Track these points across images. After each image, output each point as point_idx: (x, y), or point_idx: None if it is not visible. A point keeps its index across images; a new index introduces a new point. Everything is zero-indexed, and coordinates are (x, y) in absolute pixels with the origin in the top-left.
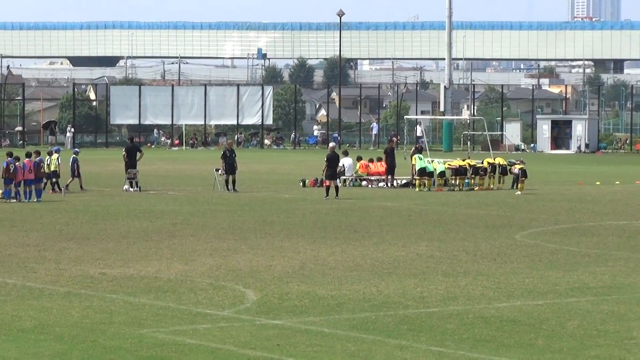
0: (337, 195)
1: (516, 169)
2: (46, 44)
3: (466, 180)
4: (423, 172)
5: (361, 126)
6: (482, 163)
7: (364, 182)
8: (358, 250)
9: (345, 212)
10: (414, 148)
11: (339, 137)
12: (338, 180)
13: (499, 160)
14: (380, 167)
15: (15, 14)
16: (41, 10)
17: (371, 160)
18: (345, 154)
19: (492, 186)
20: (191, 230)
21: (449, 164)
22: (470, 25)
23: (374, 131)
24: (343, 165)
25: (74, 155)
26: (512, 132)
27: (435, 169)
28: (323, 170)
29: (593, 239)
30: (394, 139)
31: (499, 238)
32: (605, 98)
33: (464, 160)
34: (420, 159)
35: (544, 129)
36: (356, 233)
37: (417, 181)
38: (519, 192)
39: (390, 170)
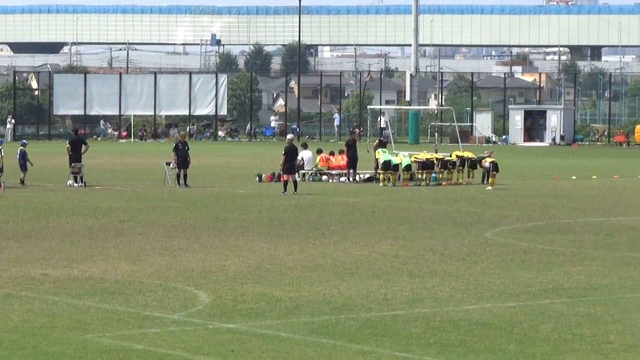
0: (295, 190)
1: (487, 162)
2: None
3: (433, 175)
4: (387, 165)
5: (322, 117)
6: (450, 156)
7: (324, 177)
8: (318, 249)
9: (304, 208)
10: (377, 141)
11: (297, 129)
12: (297, 174)
13: (468, 154)
14: (342, 160)
15: None
16: None
17: (332, 154)
18: (305, 146)
19: (461, 181)
20: (140, 228)
21: (415, 157)
22: (438, 9)
23: (336, 122)
24: (302, 158)
25: (22, 148)
26: (483, 123)
27: (400, 163)
28: (281, 164)
29: (568, 237)
30: (357, 130)
31: (468, 236)
32: (582, 87)
33: (431, 154)
34: (385, 152)
35: (517, 120)
36: (316, 231)
37: (381, 175)
38: (490, 187)
39: (352, 163)
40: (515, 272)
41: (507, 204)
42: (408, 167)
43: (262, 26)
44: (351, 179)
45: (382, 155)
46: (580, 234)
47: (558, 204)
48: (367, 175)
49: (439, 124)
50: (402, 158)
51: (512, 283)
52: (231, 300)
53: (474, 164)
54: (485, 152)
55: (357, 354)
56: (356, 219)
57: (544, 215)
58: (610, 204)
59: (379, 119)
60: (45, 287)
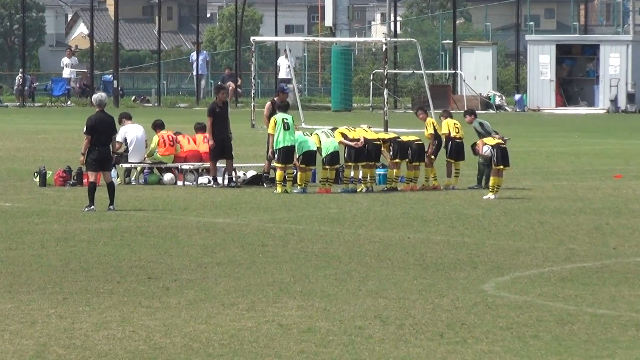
0: (112, 203)
1: (485, 147)
2: None
3: (380, 171)
4: (287, 153)
5: (161, 59)
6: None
7: (167, 176)
8: (155, 318)
9: (129, 238)
10: (269, 103)
11: (114, 81)
12: (114, 171)
13: (449, 125)
14: (203, 144)
15: None
16: None
17: (178, 133)
18: (128, 117)
19: (436, 183)
20: None
21: (344, 137)
22: None
23: (195, 70)
24: (125, 139)
25: None
26: (476, 70)
27: (319, 148)
28: (83, 152)
29: None
30: (230, 85)
31: (450, 291)
32: None
33: (375, 131)
34: (288, 127)
35: (542, 63)
36: (152, 282)
37: (278, 172)
38: (492, 195)
39: (222, 150)
40: None
41: (524, 226)
42: (333, 157)
43: None
44: (220, 179)
45: (282, 134)
46: None
47: (622, 226)
48: (251, 173)
49: (391, 72)
50: (320, 139)
51: None
52: None
53: (458, 149)
54: (495, 134)
55: None
56: (231, 259)
57: (594, 249)
58: None
59: (277, 64)
60: None
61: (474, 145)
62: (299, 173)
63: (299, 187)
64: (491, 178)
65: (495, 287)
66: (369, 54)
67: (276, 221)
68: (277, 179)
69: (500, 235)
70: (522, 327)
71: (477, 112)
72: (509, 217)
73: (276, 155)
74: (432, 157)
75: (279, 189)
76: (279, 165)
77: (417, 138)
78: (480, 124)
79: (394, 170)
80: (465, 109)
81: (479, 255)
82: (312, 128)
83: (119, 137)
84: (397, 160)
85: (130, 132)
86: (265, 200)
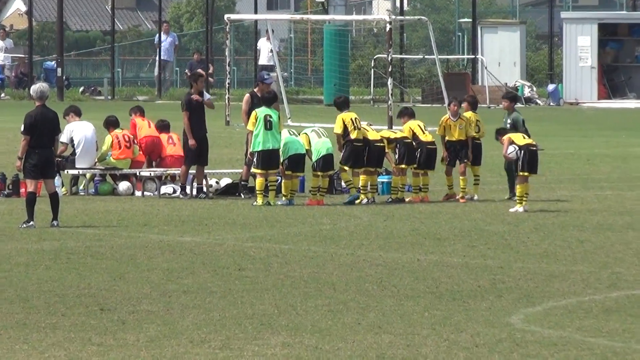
0: (55, 218)
1: (512, 145)
2: None
3: (382, 178)
4: (270, 157)
5: (115, 39)
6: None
7: (122, 185)
8: None
9: (76, 260)
10: (247, 95)
11: (56, 67)
12: (58, 178)
13: (469, 118)
14: (171, 145)
15: None
16: None
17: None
18: (76, 112)
19: (470, 193)
20: None
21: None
22: None
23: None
24: (71, 139)
25: None
26: (500, 56)
27: (308, 150)
28: (20, 156)
29: None
30: (201, 73)
31: (468, 324)
32: None
33: (375, 129)
34: (271, 126)
35: (583, 47)
36: (104, 314)
37: (258, 179)
38: (520, 208)
39: (193, 153)
40: None
41: (560, 246)
42: (326, 161)
43: None
44: (188, 188)
45: (263, 134)
46: None
47: None
48: (225, 181)
49: (397, 57)
50: (310, 139)
51: None
52: None
53: (476, 149)
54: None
55: None
56: (201, 285)
57: None
58: None
59: (256, 47)
60: None
61: (500, 133)
62: (283, 181)
63: (283, 198)
64: (517, 186)
65: (525, 320)
66: (369, 35)
67: (256, 240)
68: (257, 188)
69: (531, 257)
70: None
71: (498, 105)
72: (541, 234)
73: (255, 159)
74: (468, 161)
75: (259, 201)
76: (259, 171)
77: (432, 139)
78: (517, 120)
79: (399, 178)
80: (506, 91)
81: (505, 281)
82: (299, 126)
83: (63, 138)
84: (402, 166)
85: (77, 131)
86: (242, 215)
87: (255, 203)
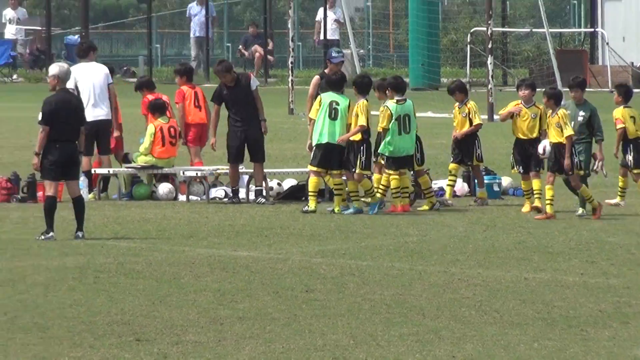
0: (80, 229)
1: (546, 140)
2: None
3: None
4: (329, 153)
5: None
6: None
7: (162, 187)
8: None
9: (106, 279)
10: (316, 77)
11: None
12: (84, 181)
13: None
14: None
15: None
16: None
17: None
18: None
19: (620, 199)
20: None
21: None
22: None
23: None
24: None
25: None
26: (626, 29)
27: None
28: (36, 152)
29: None
30: (257, 50)
31: (588, 358)
32: None
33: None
34: (336, 115)
35: None
36: (141, 345)
37: (311, 177)
38: (621, 202)
39: (236, 154)
40: None
41: None
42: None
43: None
44: (242, 192)
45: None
46: None
47: None
48: (290, 183)
49: (498, 30)
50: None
51: None
52: None
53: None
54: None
55: None
56: (260, 311)
57: None
58: None
59: (319, 21)
60: None
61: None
62: (349, 183)
63: (356, 205)
64: (546, 188)
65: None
66: (464, 3)
67: (327, 255)
68: (310, 189)
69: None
70: None
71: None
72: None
73: (312, 154)
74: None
75: (311, 205)
76: (315, 168)
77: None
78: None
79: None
80: (616, 83)
81: (632, 304)
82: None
83: (69, 84)
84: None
85: (83, 76)
86: (310, 224)
87: (306, 208)
